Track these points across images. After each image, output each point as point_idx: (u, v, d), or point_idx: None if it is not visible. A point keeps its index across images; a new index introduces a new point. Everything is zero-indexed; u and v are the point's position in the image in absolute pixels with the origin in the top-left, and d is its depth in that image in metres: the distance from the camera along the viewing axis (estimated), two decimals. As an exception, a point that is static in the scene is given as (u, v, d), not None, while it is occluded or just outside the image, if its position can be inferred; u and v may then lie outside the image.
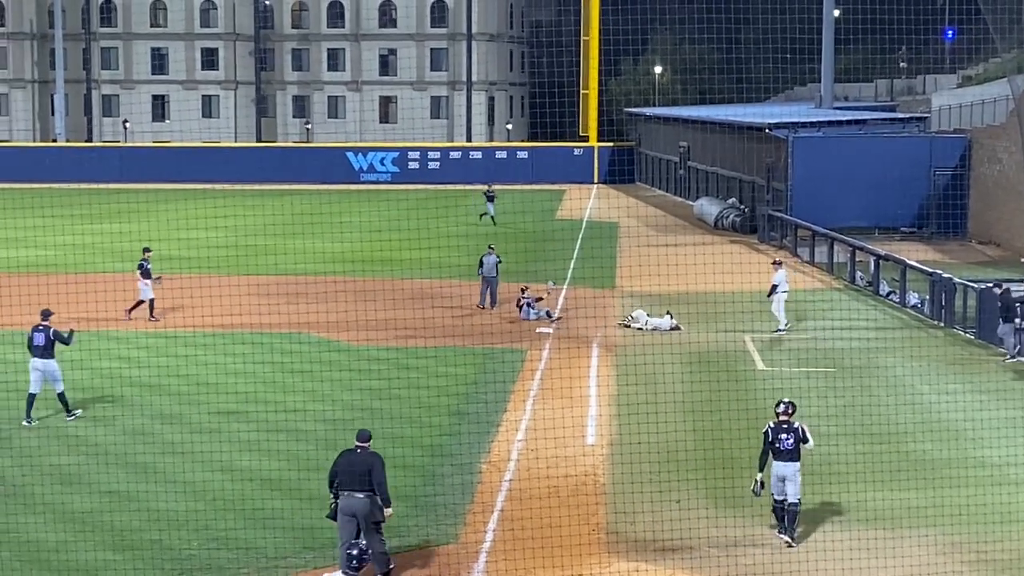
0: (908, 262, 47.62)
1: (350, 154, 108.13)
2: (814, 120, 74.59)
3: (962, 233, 65.55)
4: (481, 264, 45.21)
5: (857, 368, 35.68)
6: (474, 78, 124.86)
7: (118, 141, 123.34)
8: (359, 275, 48.98)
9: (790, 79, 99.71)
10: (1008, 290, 38.61)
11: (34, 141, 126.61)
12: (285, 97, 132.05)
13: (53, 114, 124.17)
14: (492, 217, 72.75)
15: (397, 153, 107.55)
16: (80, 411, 29.77)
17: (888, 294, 47.80)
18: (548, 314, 42.74)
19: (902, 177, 66.28)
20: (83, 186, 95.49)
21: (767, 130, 70.11)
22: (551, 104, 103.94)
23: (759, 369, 35.45)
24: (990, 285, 40.27)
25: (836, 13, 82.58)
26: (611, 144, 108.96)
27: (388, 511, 19.99)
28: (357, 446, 20.34)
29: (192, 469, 25.11)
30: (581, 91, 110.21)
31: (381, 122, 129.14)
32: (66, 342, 29.53)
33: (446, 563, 20.43)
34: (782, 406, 21.84)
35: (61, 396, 29.49)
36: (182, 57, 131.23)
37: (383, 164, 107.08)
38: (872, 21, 72.37)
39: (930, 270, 44.91)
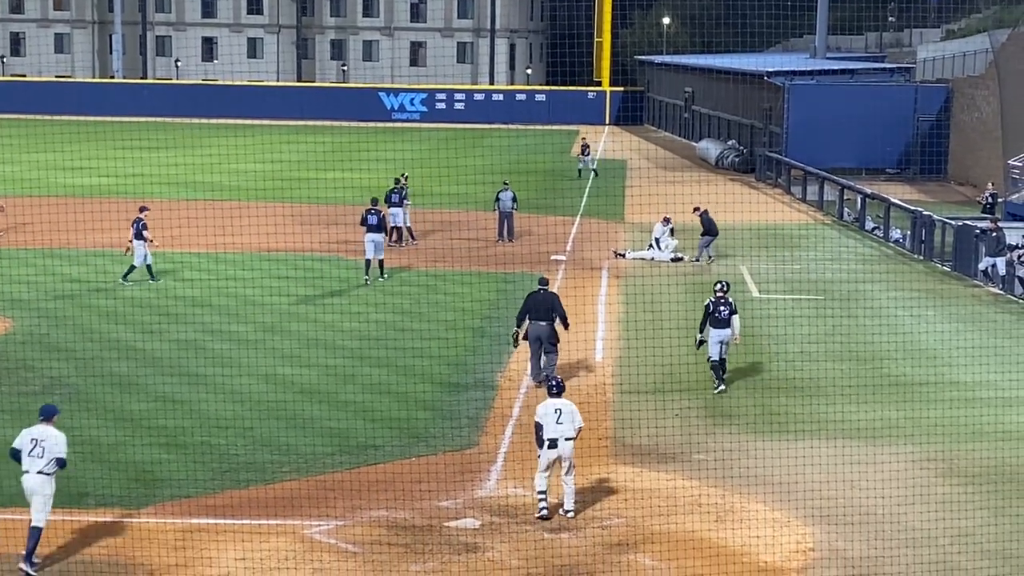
0: (892, 200, 47.47)
1: (382, 94, 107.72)
2: (809, 69, 74.02)
3: (942, 174, 65.14)
4: (497, 199, 44.36)
5: (843, 296, 35.67)
6: (497, 26, 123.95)
7: (170, 79, 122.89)
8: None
9: (787, 31, 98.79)
10: (706, 212, 40.48)
11: (94, 77, 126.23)
12: (324, 41, 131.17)
13: (111, 53, 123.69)
14: (593, 170, 65.77)
15: (425, 94, 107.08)
16: (386, 277, 35.66)
17: (873, 229, 47.65)
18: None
19: (888, 122, 65.82)
20: (139, 119, 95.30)
21: (765, 78, 69.60)
22: (568, 51, 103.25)
23: (754, 296, 35.44)
24: (966, 222, 40.17)
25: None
26: (622, 89, 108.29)
27: (566, 330, 24.99)
28: (540, 289, 25.00)
29: (237, 377, 25.27)
30: (596, 39, 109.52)
31: (411, 65, 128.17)
32: (385, 227, 36.34)
33: (467, 465, 20.57)
34: (719, 285, 25.25)
35: (381, 263, 35.87)
36: (229, 3, 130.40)
37: (413, 104, 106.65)
38: (865, -23, 71.57)
39: (912, 208, 44.75)
